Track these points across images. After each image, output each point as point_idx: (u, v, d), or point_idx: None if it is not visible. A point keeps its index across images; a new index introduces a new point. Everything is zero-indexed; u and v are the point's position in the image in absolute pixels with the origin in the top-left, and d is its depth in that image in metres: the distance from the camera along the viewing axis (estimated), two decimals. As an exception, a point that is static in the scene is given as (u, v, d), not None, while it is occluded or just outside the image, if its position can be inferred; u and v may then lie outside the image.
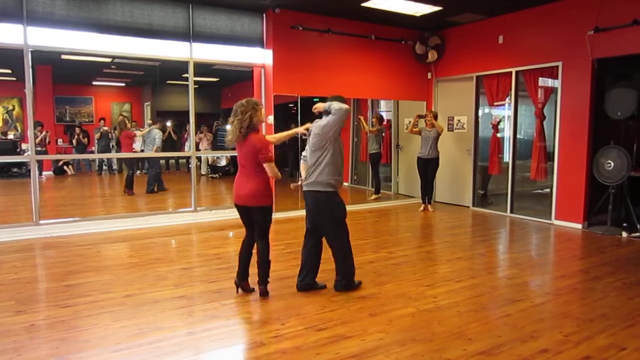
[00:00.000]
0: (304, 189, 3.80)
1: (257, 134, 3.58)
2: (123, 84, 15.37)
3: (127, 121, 9.41)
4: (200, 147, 11.00)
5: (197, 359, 2.78)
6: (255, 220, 3.68)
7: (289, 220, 6.91)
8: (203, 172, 12.26)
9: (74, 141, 11.96)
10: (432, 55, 8.06)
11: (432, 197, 8.06)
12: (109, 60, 9.78)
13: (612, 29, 5.83)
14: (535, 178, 7.05)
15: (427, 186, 7.71)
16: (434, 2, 6.47)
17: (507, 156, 7.40)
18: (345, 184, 9.42)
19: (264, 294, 3.69)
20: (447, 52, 8.10)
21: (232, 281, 4.07)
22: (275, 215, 7.08)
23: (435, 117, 7.52)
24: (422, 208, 7.72)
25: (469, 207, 7.97)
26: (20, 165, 11.43)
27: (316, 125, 3.74)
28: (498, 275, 4.48)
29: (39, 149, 9.95)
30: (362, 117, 8.70)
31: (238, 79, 12.65)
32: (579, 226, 6.35)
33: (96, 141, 11.89)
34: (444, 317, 3.35)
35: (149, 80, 14.21)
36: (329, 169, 3.64)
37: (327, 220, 3.77)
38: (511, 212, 7.28)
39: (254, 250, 3.77)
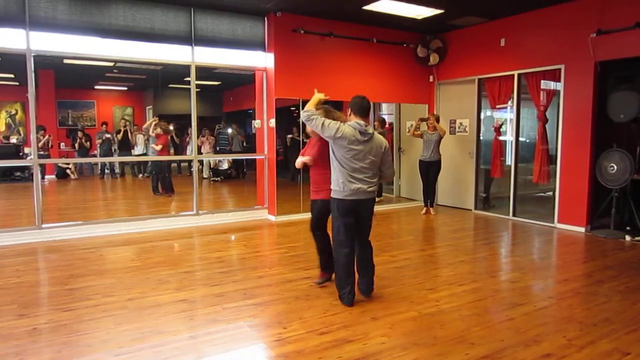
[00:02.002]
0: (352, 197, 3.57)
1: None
2: (125, 88, 15.43)
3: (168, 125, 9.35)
4: (202, 150, 11.02)
5: (199, 363, 2.78)
6: None
7: (290, 223, 6.91)
8: (205, 176, 12.28)
9: (77, 145, 12.00)
10: (433, 58, 8.07)
11: (434, 200, 8.05)
12: (111, 64, 9.81)
13: (614, 31, 5.83)
14: (538, 181, 7.04)
15: (429, 189, 7.70)
16: (435, 5, 6.48)
17: (510, 159, 7.39)
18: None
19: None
20: (448, 55, 8.10)
21: (234, 284, 4.09)
22: (277, 219, 7.10)
23: (437, 120, 7.52)
24: (424, 211, 7.70)
25: (471, 210, 7.95)
26: (23, 169, 11.46)
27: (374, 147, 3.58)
28: (500, 279, 4.46)
29: (41, 153, 9.97)
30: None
31: (240, 82, 12.70)
32: (582, 229, 6.32)
33: (98, 145, 11.93)
34: (446, 321, 3.33)
35: (150, 84, 14.26)
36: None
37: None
38: (513, 215, 7.25)
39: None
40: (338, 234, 3.64)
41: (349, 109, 3.62)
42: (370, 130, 3.54)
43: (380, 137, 3.66)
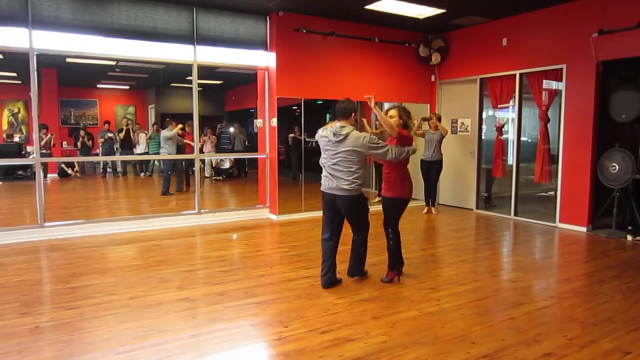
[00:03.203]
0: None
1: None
2: (127, 87, 15.45)
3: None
4: (204, 149, 11.03)
5: (200, 361, 2.79)
6: None
7: (291, 222, 6.92)
8: (207, 175, 12.29)
9: (79, 144, 12.02)
10: (435, 58, 8.06)
11: (436, 200, 8.05)
12: (113, 63, 9.83)
13: (616, 31, 5.81)
14: (540, 181, 7.03)
15: (431, 189, 7.70)
16: (437, 5, 6.47)
17: (511, 159, 7.39)
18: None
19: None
20: (450, 55, 8.10)
21: (235, 283, 4.10)
22: (278, 218, 7.11)
23: (439, 119, 7.52)
24: (425, 211, 7.70)
25: (472, 209, 7.95)
26: (25, 167, 11.49)
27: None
28: (502, 279, 4.46)
29: (43, 151, 9.98)
30: (365, 120, 8.73)
31: (242, 81, 12.70)
32: (584, 229, 6.32)
33: (100, 144, 11.95)
34: (447, 320, 3.34)
35: (153, 83, 14.28)
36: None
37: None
38: (515, 215, 7.25)
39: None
40: (323, 220, 4.11)
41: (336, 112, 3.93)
42: (345, 131, 3.79)
43: (358, 134, 3.83)
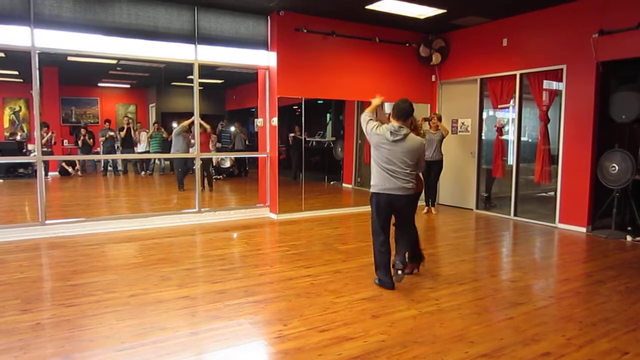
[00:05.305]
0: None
1: None
2: (128, 86, 15.46)
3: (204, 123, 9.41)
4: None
5: (200, 359, 2.80)
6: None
7: (291, 222, 6.93)
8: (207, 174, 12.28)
9: (80, 142, 12.04)
10: (436, 58, 8.07)
11: (436, 200, 8.06)
12: (114, 62, 9.85)
13: (616, 31, 5.82)
14: (539, 181, 7.04)
15: (431, 189, 7.71)
16: (438, 5, 6.48)
17: (511, 159, 7.40)
18: (348, 185, 9.47)
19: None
20: (451, 55, 8.10)
21: (235, 282, 4.12)
22: (279, 217, 7.13)
23: (440, 119, 7.54)
24: (425, 210, 7.72)
25: (472, 209, 7.96)
26: (26, 165, 11.51)
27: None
28: (501, 278, 4.48)
29: (44, 149, 10.00)
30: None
31: (242, 81, 12.72)
32: (583, 230, 6.33)
33: (101, 143, 11.96)
34: (446, 319, 3.35)
35: (154, 81, 14.29)
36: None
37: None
38: (515, 215, 7.26)
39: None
40: (373, 223, 4.08)
41: (391, 112, 3.93)
42: (404, 132, 3.81)
43: (417, 138, 3.92)
